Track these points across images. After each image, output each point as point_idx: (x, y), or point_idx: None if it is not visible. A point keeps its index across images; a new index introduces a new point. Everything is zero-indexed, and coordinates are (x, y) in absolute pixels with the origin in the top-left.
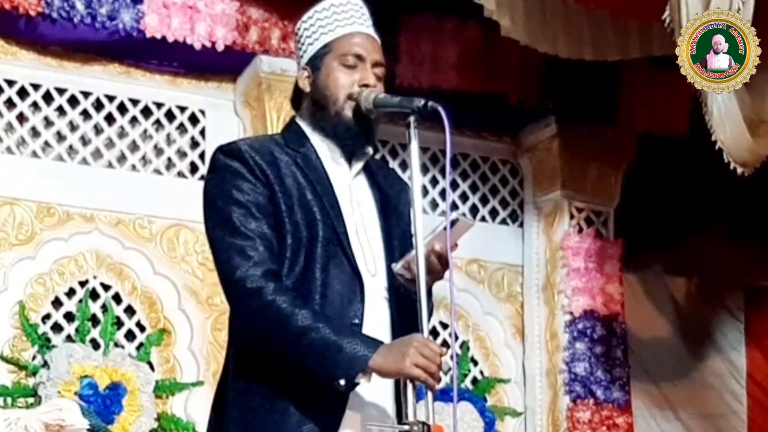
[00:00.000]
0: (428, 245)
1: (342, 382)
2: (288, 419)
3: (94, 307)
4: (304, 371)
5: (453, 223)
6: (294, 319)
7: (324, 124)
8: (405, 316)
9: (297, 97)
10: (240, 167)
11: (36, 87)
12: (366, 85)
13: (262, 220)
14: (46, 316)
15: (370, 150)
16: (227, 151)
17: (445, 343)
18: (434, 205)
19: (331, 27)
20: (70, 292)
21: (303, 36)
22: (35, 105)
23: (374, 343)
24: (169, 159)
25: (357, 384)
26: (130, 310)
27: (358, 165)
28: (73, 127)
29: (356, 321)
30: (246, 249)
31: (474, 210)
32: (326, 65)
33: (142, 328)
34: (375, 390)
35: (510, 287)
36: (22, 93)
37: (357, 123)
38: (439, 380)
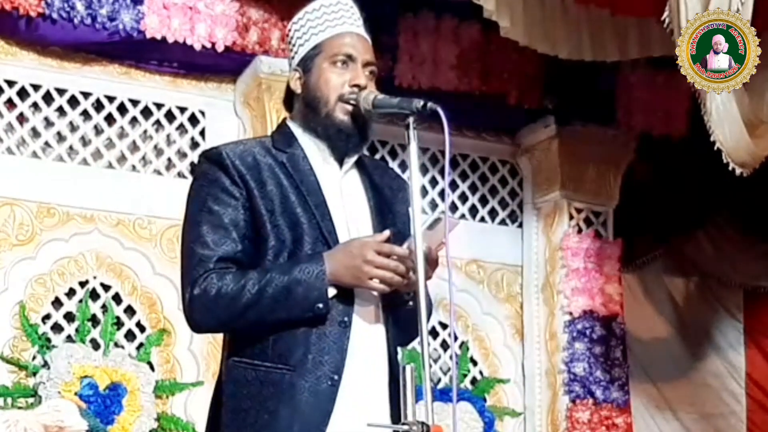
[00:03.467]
0: (412, 245)
1: (320, 305)
2: (278, 420)
3: (94, 308)
4: (287, 324)
5: (437, 221)
6: (245, 290)
7: (315, 125)
8: (398, 316)
9: (289, 99)
10: (219, 174)
11: (36, 87)
12: (357, 85)
13: (231, 229)
14: (47, 317)
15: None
16: (209, 156)
17: (444, 344)
18: (434, 205)
19: (321, 28)
20: (70, 293)
21: (294, 37)
22: (35, 105)
23: (318, 257)
24: (169, 159)
25: (332, 297)
26: (130, 311)
27: (349, 162)
28: (73, 128)
29: (345, 319)
30: (206, 260)
31: (473, 210)
32: (317, 66)
33: (142, 329)
34: (365, 389)
35: (509, 287)
36: (23, 93)
37: (354, 125)
38: (405, 281)
